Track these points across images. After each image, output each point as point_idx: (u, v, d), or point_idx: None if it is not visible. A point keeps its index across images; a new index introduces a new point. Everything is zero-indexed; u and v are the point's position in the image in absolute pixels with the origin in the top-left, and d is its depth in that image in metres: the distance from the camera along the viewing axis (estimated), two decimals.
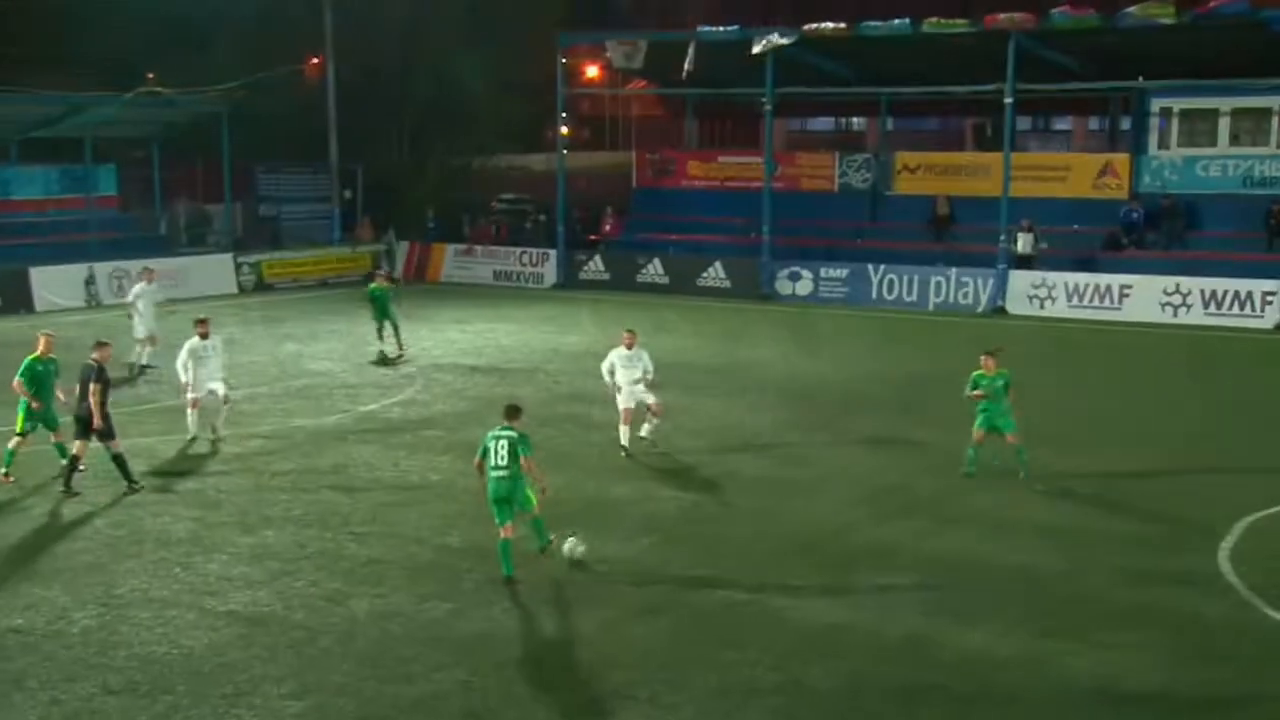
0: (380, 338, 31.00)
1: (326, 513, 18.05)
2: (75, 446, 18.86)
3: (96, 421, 18.62)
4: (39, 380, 19.41)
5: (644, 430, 21.59)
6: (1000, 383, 19.64)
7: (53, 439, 19.66)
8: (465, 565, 16.02)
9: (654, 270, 43.98)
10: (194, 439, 21.91)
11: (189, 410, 22.10)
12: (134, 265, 40.17)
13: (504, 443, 15.38)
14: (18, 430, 19.51)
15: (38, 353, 19.68)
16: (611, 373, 21.48)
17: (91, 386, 18.56)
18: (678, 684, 12.61)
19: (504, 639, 13.72)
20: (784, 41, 40.51)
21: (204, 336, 22.45)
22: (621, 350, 21.49)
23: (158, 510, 18.01)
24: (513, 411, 15.73)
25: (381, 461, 20.74)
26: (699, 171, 48.18)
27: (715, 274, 43.04)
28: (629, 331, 21.73)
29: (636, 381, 21.32)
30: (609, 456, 21.15)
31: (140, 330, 28.67)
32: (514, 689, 12.54)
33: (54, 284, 38.93)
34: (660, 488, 19.44)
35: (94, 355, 18.98)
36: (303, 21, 49.03)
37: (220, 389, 22.28)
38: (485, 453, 15.49)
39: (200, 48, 49.01)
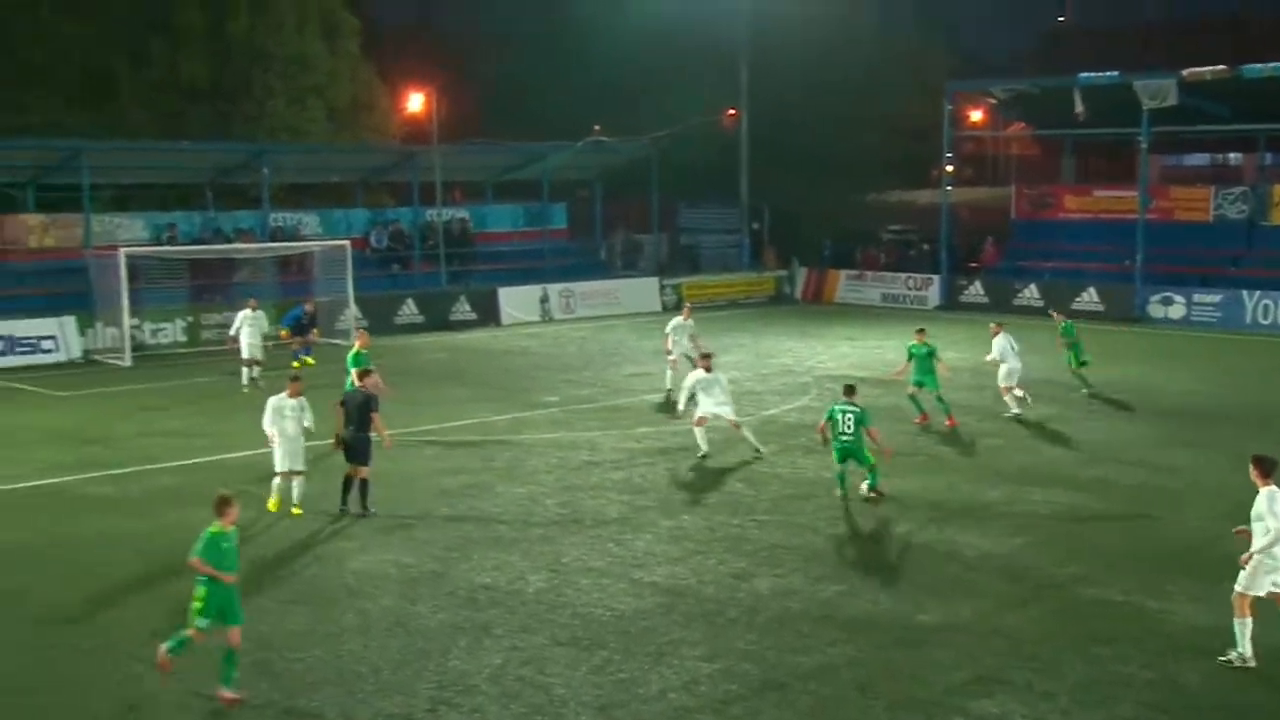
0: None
1: (733, 502, 18.34)
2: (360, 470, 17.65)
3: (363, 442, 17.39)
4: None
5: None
6: None
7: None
8: (853, 552, 15.94)
9: (1030, 294, 42.31)
10: (705, 455, 20.75)
11: (696, 429, 20.93)
12: (580, 286, 42.30)
13: (850, 415, 17.85)
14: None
15: (357, 348, 22.27)
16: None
17: (374, 416, 17.37)
18: (1049, 672, 12.09)
19: (887, 619, 13.55)
20: (1172, 102, 38.11)
21: (708, 370, 20.80)
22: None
23: (595, 494, 18.78)
24: (850, 390, 18.40)
25: (780, 459, 20.88)
26: (1075, 204, 46.03)
27: (1089, 298, 40.96)
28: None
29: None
30: (988, 462, 20.52)
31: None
32: (896, 665, 12.36)
33: (516, 301, 41.19)
34: (1033, 492, 18.69)
35: (364, 383, 18.17)
36: (720, 79, 50.21)
37: (727, 412, 20.90)
38: (833, 422, 17.97)
39: (634, 103, 51.04)
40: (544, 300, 41.90)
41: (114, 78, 45.62)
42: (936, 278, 44.83)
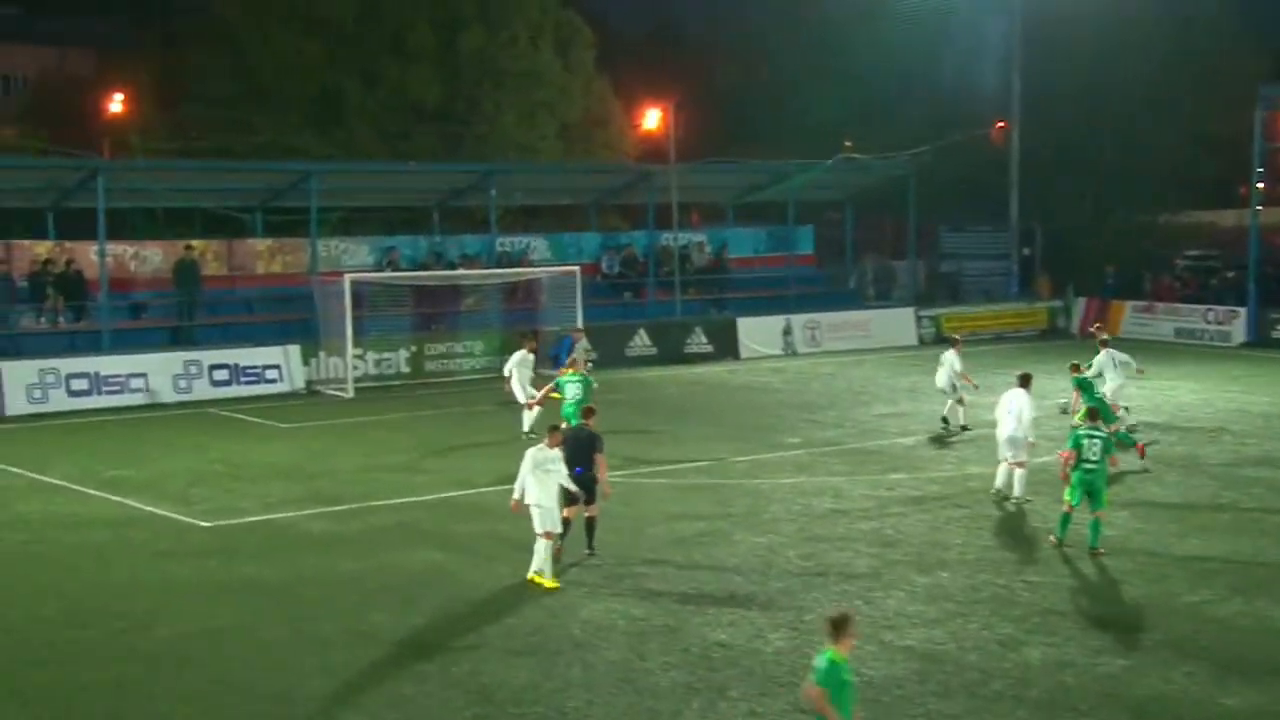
0: None
1: (999, 559, 17.84)
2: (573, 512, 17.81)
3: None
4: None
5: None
6: None
7: None
8: (1138, 622, 15.23)
9: None
10: (1009, 497, 20.80)
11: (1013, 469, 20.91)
12: (827, 317, 42.07)
13: (1096, 442, 17.72)
14: None
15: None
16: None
17: (598, 457, 17.66)
18: None
19: (1183, 702, 12.88)
20: None
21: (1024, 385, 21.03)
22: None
23: (841, 546, 18.57)
24: (1094, 414, 18.65)
25: (1052, 512, 20.16)
26: None
27: None
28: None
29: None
30: None
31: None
32: None
33: (756, 333, 41.19)
34: None
35: (590, 421, 18.30)
36: (988, 88, 49.23)
37: (1016, 449, 20.76)
38: (1078, 447, 17.77)
39: (891, 116, 50.54)
40: (787, 332, 41.79)
41: (343, 98, 48.14)
42: (1243, 310, 42.65)
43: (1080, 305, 46.51)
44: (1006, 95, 48.20)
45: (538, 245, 42.27)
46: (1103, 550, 17.88)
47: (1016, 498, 20.72)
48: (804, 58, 57.15)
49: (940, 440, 26.50)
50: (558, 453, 16.90)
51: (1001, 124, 48.83)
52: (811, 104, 53.94)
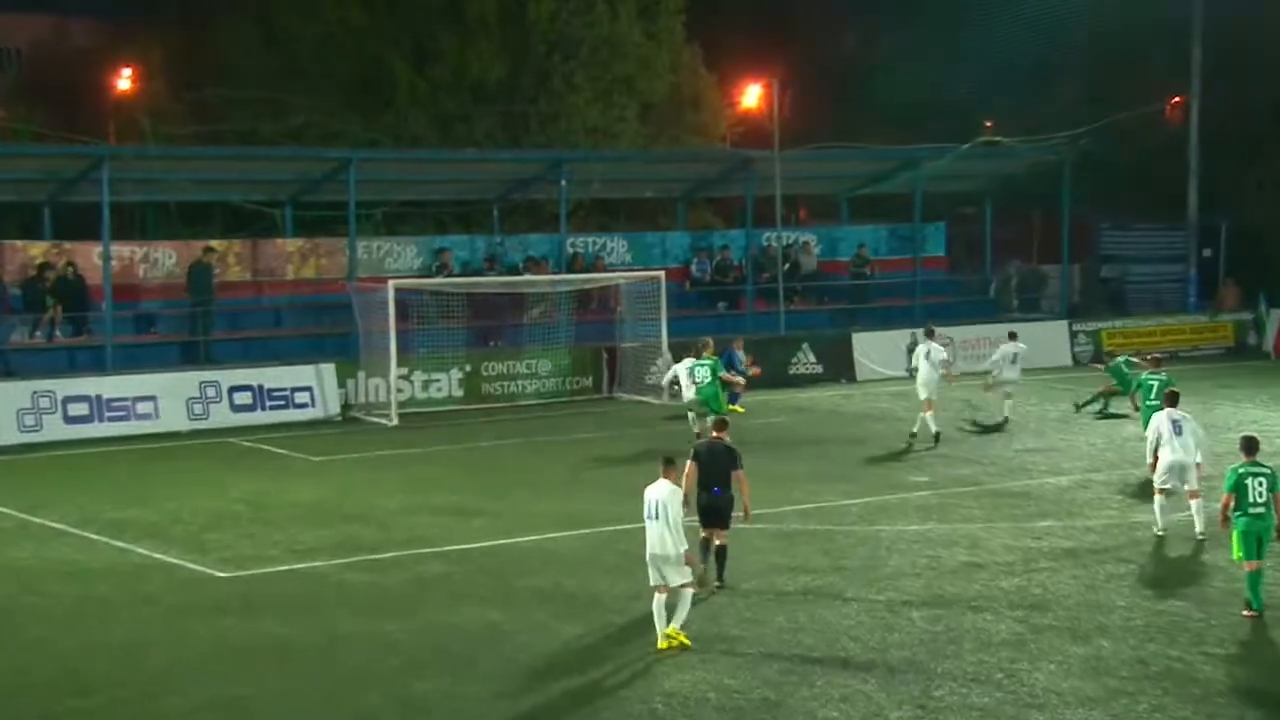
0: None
1: (1174, 625, 17.55)
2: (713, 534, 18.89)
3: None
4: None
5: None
6: None
7: None
8: None
9: None
10: (1162, 534, 21.70)
11: (1156, 499, 21.95)
12: (961, 332, 41.79)
13: (1262, 480, 17.39)
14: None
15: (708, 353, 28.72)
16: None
17: (738, 474, 18.54)
18: None
19: None
20: None
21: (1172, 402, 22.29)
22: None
23: (978, 606, 18.37)
24: (1252, 445, 17.93)
25: (1237, 567, 19.82)
26: None
27: None
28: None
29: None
30: None
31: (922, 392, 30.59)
32: None
33: (875, 351, 41.01)
34: None
35: (724, 434, 18.96)
36: (1162, 58, 48.66)
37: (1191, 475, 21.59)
38: (1238, 489, 17.45)
39: (1041, 90, 50.12)
40: (912, 349, 41.51)
41: (391, 76, 48.66)
42: None
43: (1275, 319, 45.88)
44: (1184, 66, 47.62)
45: (615, 246, 42.50)
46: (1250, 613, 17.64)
47: (1199, 533, 21.20)
48: (933, 23, 56.91)
49: (1109, 483, 26.16)
50: (669, 488, 16.76)
51: (1177, 100, 48.27)
52: (943, 78, 53.64)
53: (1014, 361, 33.03)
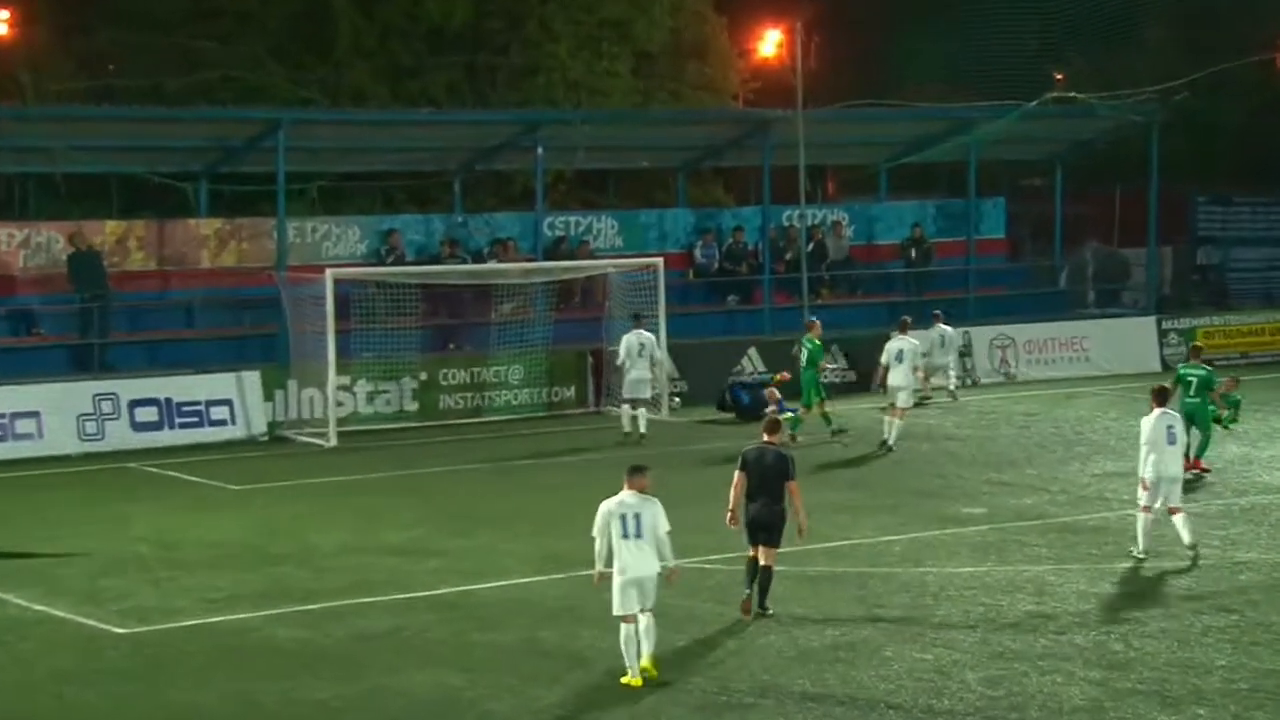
0: None
1: None
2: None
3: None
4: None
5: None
6: None
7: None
8: None
9: None
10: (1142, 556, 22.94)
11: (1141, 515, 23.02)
12: (1024, 330, 41.85)
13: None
14: None
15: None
16: None
17: (791, 485, 19.69)
18: None
19: None
20: None
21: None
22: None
23: (1046, 665, 18.38)
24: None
25: None
26: None
27: None
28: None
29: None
30: None
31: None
32: None
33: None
34: None
35: (775, 438, 20.14)
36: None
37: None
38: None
39: (1127, 37, 50.19)
40: (964, 353, 41.57)
41: (329, 18, 48.49)
42: None
43: None
44: None
45: (602, 227, 42.52)
46: None
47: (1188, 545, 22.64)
48: None
49: (1207, 516, 26.17)
50: (636, 499, 17.41)
51: None
52: (1004, 20, 53.69)
53: (943, 345, 35.98)
